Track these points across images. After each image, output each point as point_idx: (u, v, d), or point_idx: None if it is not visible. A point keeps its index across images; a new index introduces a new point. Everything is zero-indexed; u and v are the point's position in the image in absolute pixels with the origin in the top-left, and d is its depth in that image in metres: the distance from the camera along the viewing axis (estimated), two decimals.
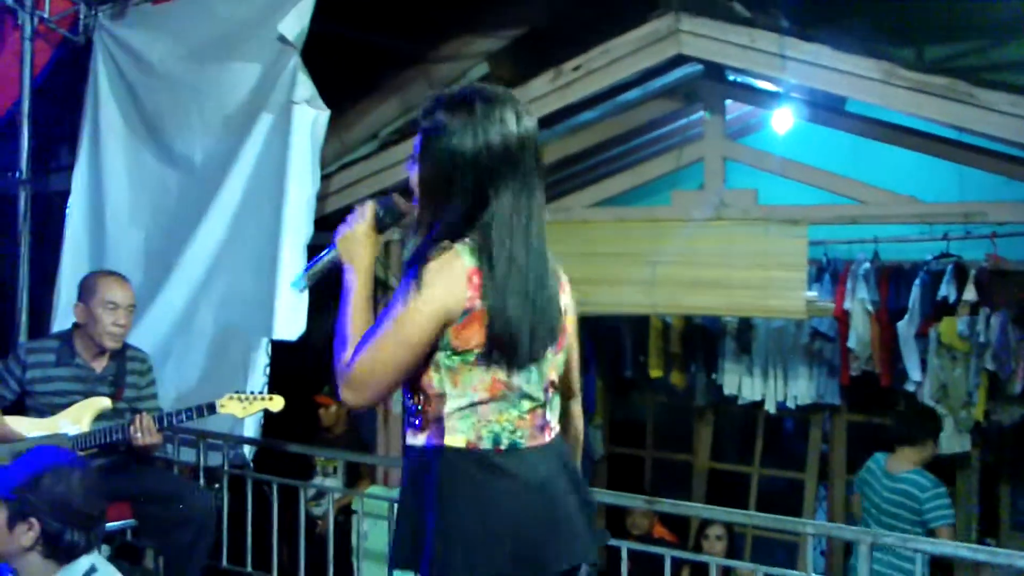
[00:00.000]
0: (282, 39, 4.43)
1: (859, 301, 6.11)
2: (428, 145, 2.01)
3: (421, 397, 2.02)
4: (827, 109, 4.95)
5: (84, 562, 2.68)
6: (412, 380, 2.01)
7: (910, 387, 6.07)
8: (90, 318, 3.92)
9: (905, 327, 5.97)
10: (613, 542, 3.46)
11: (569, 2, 5.18)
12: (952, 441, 5.86)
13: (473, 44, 5.26)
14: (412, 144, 2.07)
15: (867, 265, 6.18)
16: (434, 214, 2.01)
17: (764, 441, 7.37)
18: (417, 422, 2.03)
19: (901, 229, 5.88)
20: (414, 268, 1.95)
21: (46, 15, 4.93)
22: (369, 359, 1.95)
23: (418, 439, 2.03)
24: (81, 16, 5.08)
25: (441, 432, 1.99)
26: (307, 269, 2.26)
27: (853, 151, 5.61)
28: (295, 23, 4.42)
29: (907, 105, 4.09)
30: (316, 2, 4.41)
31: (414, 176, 2.06)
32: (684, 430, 7.62)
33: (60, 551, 2.64)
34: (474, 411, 1.97)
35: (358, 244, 2.13)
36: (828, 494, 7.02)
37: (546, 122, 4.71)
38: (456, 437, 1.98)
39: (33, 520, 2.59)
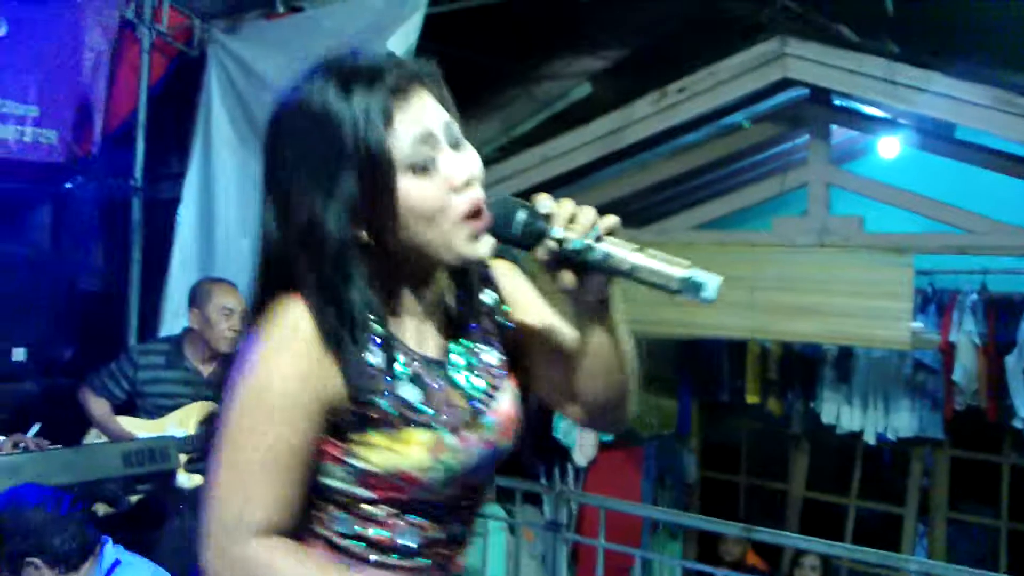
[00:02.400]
0: (390, 55, 4.49)
1: (966, 333, 5.96)
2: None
3: None
4: (935, 136, 4.85)
5: (109, 554, 2.69)
6: None
7: (1017, 424, 5.91)
8: (205, 323, 3.99)
9: (1014, 361, 5.81)
10: (706, 568, 3.44)
11: (673, 26, 5.18)
12: None
13: (576, 64, 5.27)
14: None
15: (975, 297, 6.03)
16: None
17: (862, 472, 7.23)
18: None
19: (1011, 260, 5.71)
20: None
21: (163, 29, 5.08)
22: None
23: None
24: (196, 30, 5.23)
25: None
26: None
27: (962, 179, 5.47)
28: (403, 40, 4.48)
29: (1019, 133, 3.99)
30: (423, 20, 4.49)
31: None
32: (779, 458, 7.51)
33: (73, 559, 2.60)
34: None
35: None
36: (928, 531, 6.84)
37: (649, 143, 4.71)
38: None
39: (31, 559, 2.53)
